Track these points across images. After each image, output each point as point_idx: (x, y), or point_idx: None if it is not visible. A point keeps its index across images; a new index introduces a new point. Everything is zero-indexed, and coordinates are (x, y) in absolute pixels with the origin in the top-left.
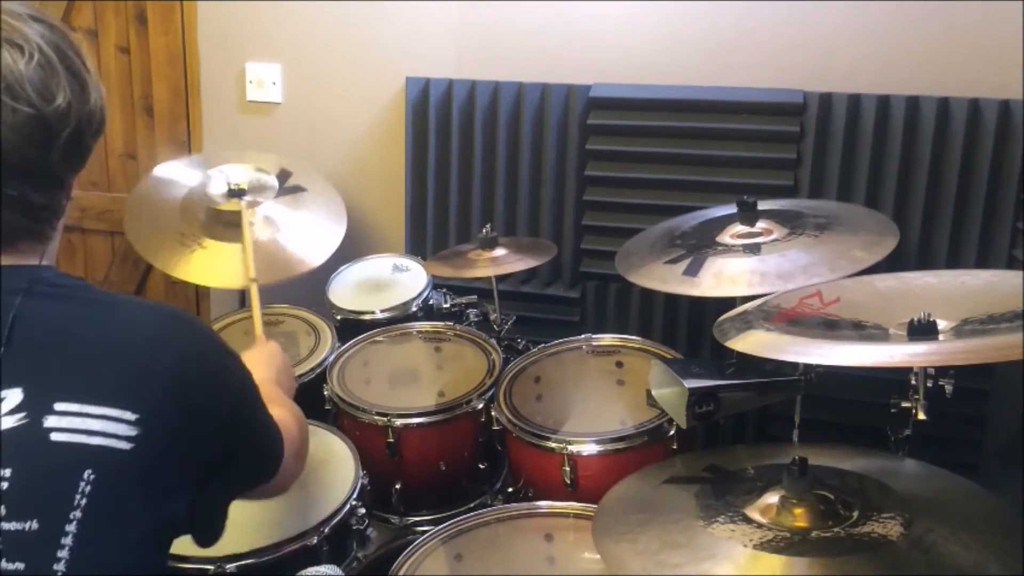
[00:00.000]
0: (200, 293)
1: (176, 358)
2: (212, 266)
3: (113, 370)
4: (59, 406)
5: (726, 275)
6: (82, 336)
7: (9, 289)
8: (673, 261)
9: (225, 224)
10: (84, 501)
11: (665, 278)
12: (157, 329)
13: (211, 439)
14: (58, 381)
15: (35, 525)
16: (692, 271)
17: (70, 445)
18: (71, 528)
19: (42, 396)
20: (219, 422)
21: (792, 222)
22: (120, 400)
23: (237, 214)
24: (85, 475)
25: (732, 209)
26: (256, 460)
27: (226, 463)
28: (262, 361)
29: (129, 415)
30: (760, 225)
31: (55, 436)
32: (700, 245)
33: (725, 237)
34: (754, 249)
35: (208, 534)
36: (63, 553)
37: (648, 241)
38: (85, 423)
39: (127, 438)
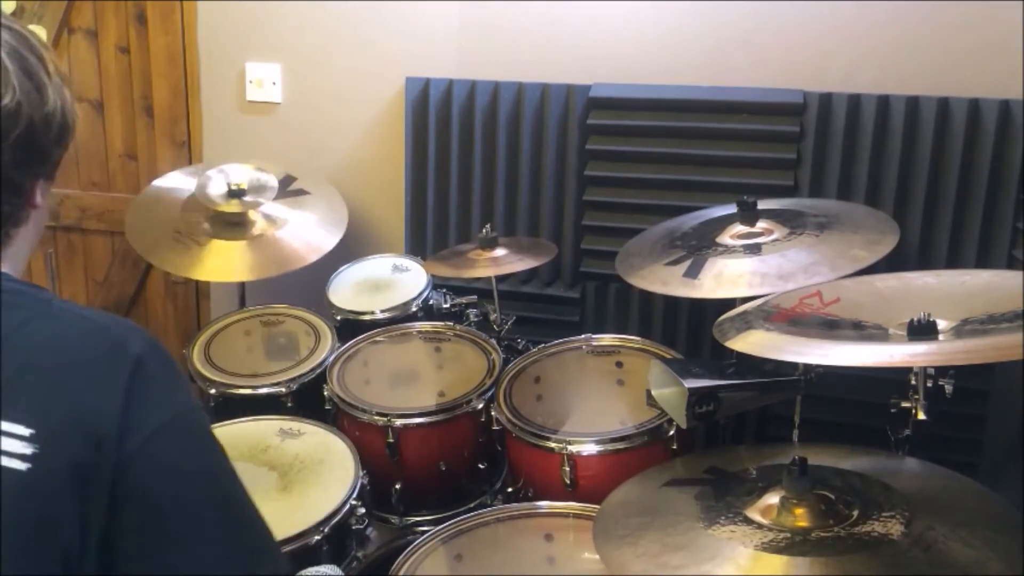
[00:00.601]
0: (200, 293)
1: (86, 376)
2: (211, 262)
3: (22, 383)
4: None
5: (726, 276)
6: (9, 346)
7: None
8: (673, 263)
9: (226, 224)
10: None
11: (666, 280)
12: (80, 343)
13: (118, 483)
14: None
15: None
16: (692, 273)
17: None
18: None
19: None
20: (129, 463)
21: (792, 222)
22: (18, 414)
23: (238, 214)
24: None
25: (732, 209)
26: (208, 543)
27: (144, 526)
28: None
29: (22, 430)
30: (760, 225)
31: None
32: (700, 246)
33: (725, 238)
34: (755, 249)
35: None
36: None
37: (648, 242)
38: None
39: (21, 456)
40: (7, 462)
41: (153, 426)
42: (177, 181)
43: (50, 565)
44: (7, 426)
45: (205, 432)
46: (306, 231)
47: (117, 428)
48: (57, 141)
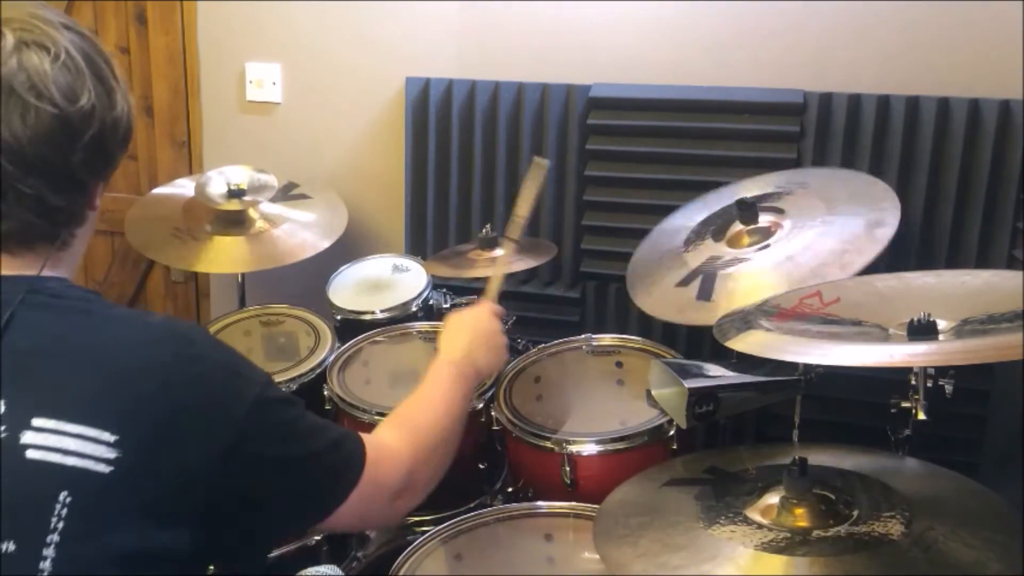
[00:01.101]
0: (200, 293)
1: (163, 380)
2: (210, 255)
3: (94, 387)
4: (37, 422)
5: (740, 291)
6: (69, 350)
7: (6, 299)
8: (683, 283)
9: (226, 221)
10: (61, 524)
11: (682, 307)
12: (147, 347)
13: (213, 471)
14: (38, 395)
15: (12, 547)
16: (705, 295)
17: (45, 464)
18: (49, 552)
19: (22, 410)
20: (221, 453)
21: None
22: (98, 419)
23: (238, 212)
24: (61, 497)
25: (723, 197)
26: (294, 494)
27: (247, 497)
28: (462, 327)
29: (107, 436)
30: (760, 223)
31: (30, 453)
32: (706, 265)
33: (731, 250)
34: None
35: (241, 570)
36: None
37: (655, 256)
38: (61, 441)
39: (106, 460)
40: (88, 464)
41: (236, 423)
42: (178, 186)
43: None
44: (90, 431)
45: (278, 407)
46: (305, 228)
47: (203, 432)
48: (122, 144)
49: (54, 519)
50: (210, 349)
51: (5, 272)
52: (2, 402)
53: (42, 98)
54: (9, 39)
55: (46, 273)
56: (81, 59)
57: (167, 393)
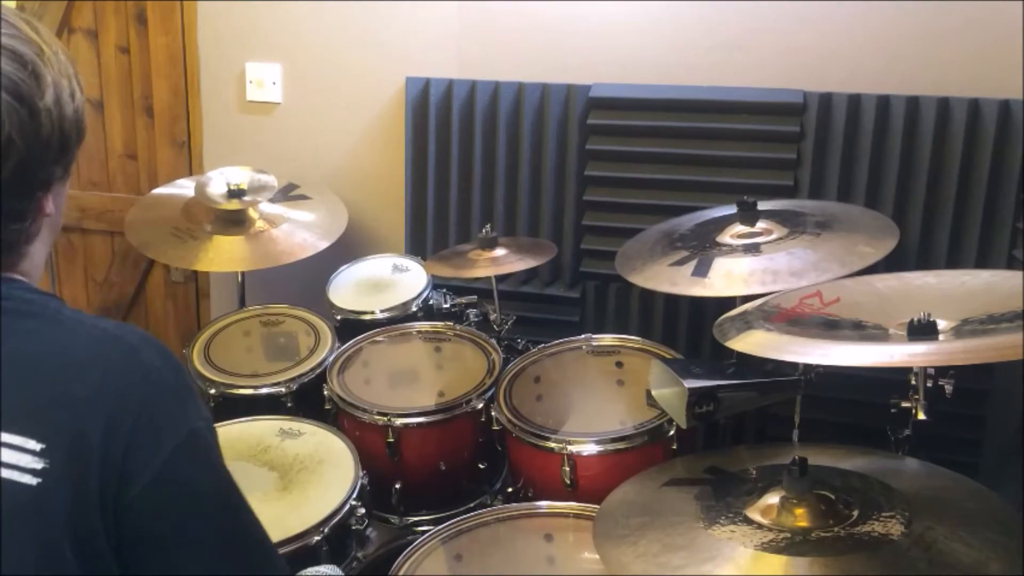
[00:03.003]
0: (200, 293)
1: (98, 389)
2: (210, 254)
3: (28, 394)
4: None
5: (736, 275)
6: (11, 356)
7: None
8: (678, 263)
9: (226, 221)
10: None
11: (674, 280)
12: (89, 351)
13: (130, 497)
14: None
15: None
16: (701, 272)
17: None
18: None
19: None
20: (144, 479)
21: (791, 222)
22: (27, 427)
23: (239, 212)
24: None
25: (728, 210)
26: (219, 561)
27: (167, 541)
28: None
29: (33, 444)
30: (760, 225)
31: None
32: (703, 246)
33: (725, 238)
34: (753, 249)
35: None
36: None
37: (646, 245)
38: None
39: (31, 471)
40: (15, 476)
41: (167, 449)
42: (178, 187)
43: None
44: (14, 439)
45: (214, 448)
46: (305, 228)
47: (130, 448)
48: (61, 152)
49: None
50: (158, 363)
51: None
52: None
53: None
54: None
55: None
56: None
57: (100, 403)
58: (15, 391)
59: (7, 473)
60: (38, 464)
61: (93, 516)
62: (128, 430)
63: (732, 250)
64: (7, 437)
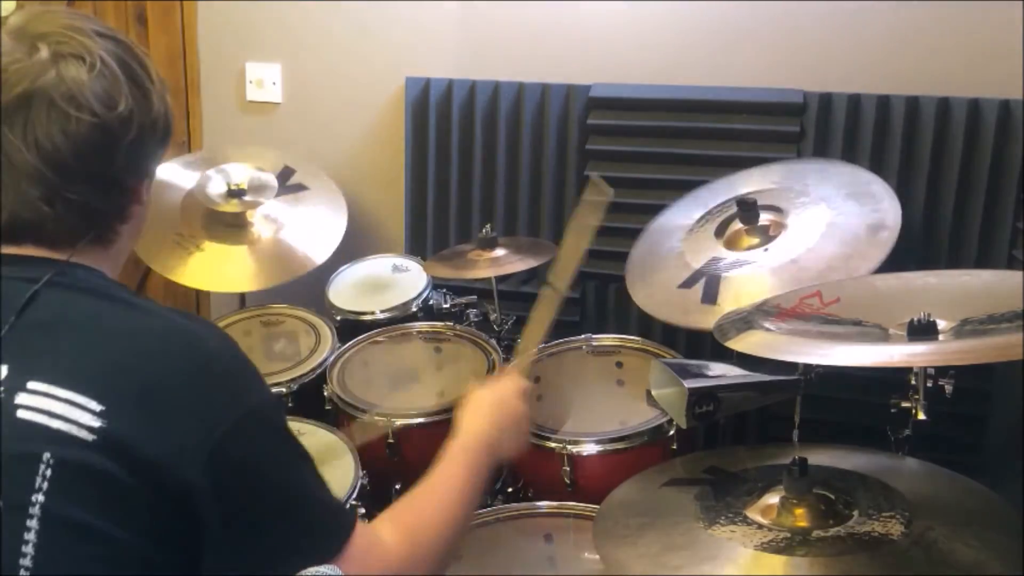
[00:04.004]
0: (200, 293)
1: (162, 366)
2: (211, 269)
3: (93, 361)
4: (31, 384)
5: (745, 294)
6: (81, 326)
7: (32, 277)
8: (686, 285)
9: (226, 225)
10: (45, 485)
11: (687, 310)
12: (157, 336)
13: (189, 465)
14: (39, 362)
15: (1, 504)
16: (710, 298)
17: (32, 424)
18: (35, 511)
19: (21, 373)
20: (205, 450)
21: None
22: (88, 388)
23: (237, 215)
24: (44, 457)
25: (724, 191)
26: (279, 530)
27: (223, 522)
28: (484, 407)
29: (94, 404)
30: (760, 222)
31: (21, 413)
32: (709, 267)
33: (733, 253)
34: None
35: None
36: (29, 536)
37: (655, 259)
38: (49, 404)
39: (88, 428)
40: (71, 429)
41: (227, 423)
42: (175, 174)
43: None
44: (73, 396)
45: (279, 427)
46: (307, 232)
47: (189, 424)
48: (161, 141)
49: (38, 479)
50: (223, 353)
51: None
52: (4, 367)
53: (81, 108)
54: (44, 52)
55: (81, 262)
56: (116, 65)
57: (163, 379)
58: (81, 354)
59: (60, 425)
60: (96, 423)
61: (146, 483)
62: (188, 405)
63: (736, 264)
64: (65, 393)
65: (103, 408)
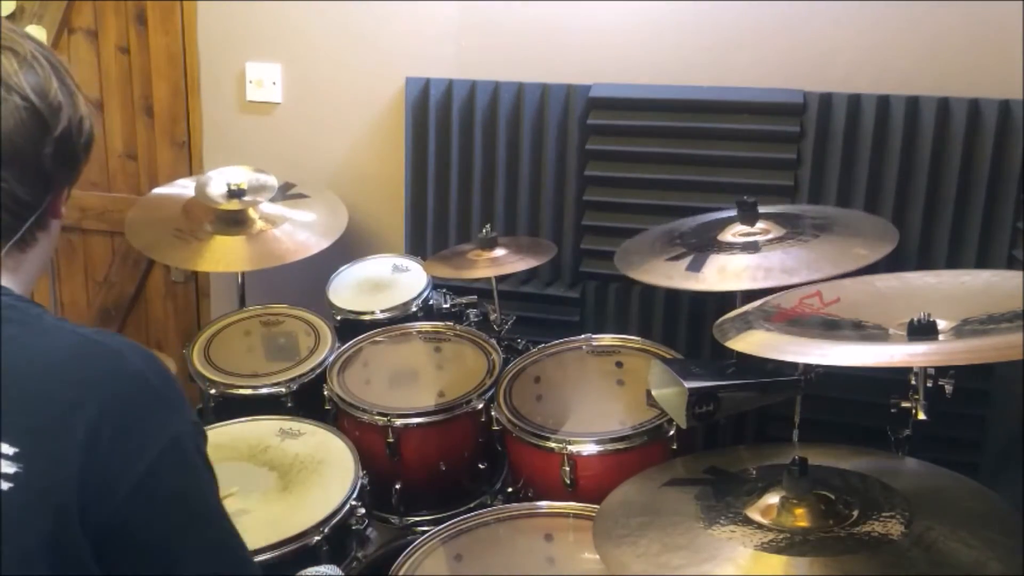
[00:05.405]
0: (200, 293)
1: (80, 395)
2: (211, 254)
3: (6, 398)
4: None
5: (729, 271)
6: None
7: None
8: (675, 259)
9: (227, 221)
10: None
11: (669, 274)
12: (71, 357)
13: (110, 501)
14: None
15: None
16: (695, 268)
17: None
18: None
19: None
20: (126, 486)
21: (790, 223)
22: (3, 431)
23: (239, 212)
24: None
25: (730, 212)
26: (200, 560)
27: (150, 546)
28: None
29: (6, 448)
30: (759, 225)
31: None
32: (700, 245)
33: (726, 236)
34: (752, 247)
35: None
36: None
37: (647, 242)
38: None
39: (5, 475)
40: None
41: (151, 455)
42: (178, 187)
43: None
44: None
45: (200, 453)
46: (305, 228)
47: (112, 454)
48: (85, 148)
49: None
50: (142, 368)
51: None
52: None
53: (12, 92)
54: None
55: (3, 279)
56: (47, 64)
57: (82, 409)
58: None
59: None
60: (11, 468)
61: (71, 521)
62: (111, 436)
63: (729, 247)
64: None
65: (16, 451)
